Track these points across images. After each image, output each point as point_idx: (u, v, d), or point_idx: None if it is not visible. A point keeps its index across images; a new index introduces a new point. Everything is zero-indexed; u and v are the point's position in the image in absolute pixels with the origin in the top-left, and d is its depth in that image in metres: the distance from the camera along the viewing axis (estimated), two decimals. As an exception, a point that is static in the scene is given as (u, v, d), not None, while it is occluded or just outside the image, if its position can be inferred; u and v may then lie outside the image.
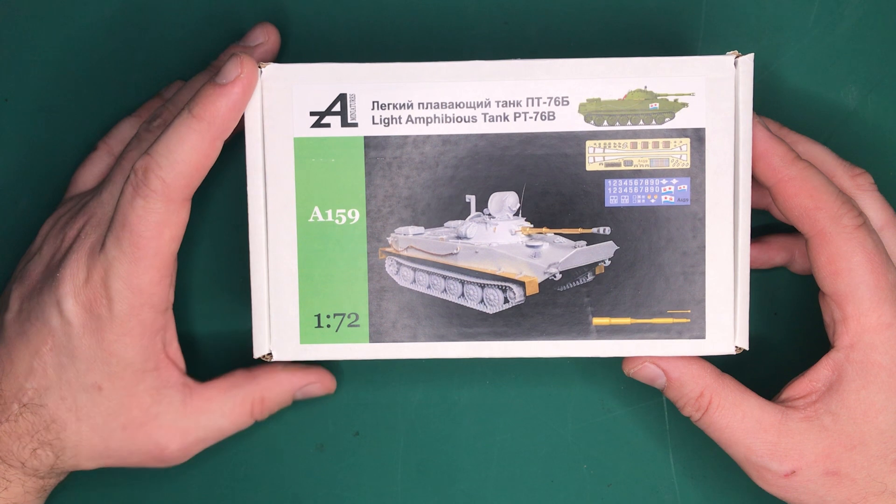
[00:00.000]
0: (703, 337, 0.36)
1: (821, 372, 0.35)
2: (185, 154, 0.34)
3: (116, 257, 0.35)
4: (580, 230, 0.36)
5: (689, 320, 0.36)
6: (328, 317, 0.36)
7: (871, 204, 0.37)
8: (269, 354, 0.36)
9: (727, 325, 0.36)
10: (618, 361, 0.39)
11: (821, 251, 0.35)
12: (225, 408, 0.38)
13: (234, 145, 0.41)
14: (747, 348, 0.36)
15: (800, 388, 0.36)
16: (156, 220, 0.34)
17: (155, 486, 0.42)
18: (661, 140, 0.35)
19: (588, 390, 0.42)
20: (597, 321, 0.36)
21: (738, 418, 0.36)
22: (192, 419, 0.37)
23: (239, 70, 0.34)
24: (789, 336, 0.42)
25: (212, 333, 0.42)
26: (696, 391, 0.36)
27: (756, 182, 0.36)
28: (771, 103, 0.41)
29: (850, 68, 0.41)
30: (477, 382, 0.42)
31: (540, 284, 0.36)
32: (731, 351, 0.36)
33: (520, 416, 0.42)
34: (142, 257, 0.35)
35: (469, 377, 0.42)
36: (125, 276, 0.35)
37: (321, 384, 0.40)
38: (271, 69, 0.35)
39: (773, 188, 0.35)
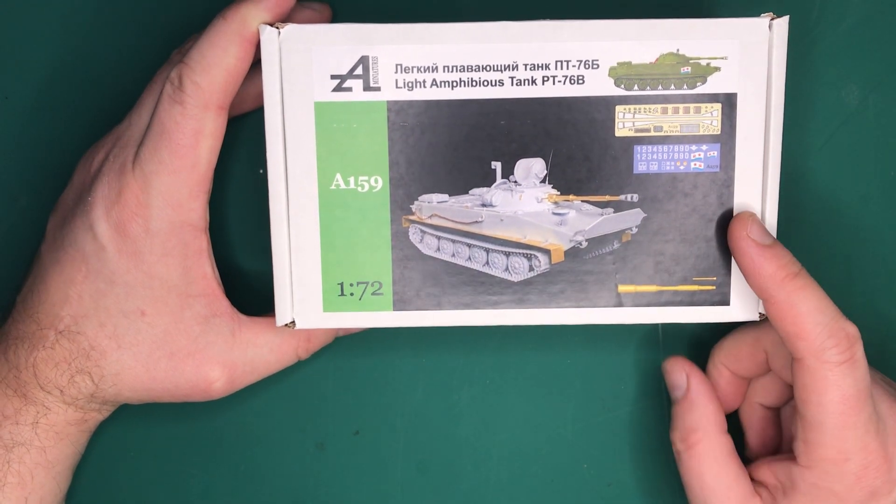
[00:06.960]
0: (728, 303, 0.36)
1: (781, 472, 0.36)
2: (218, 58, 0.33)
3: (154, 170, 0.33)
4: (607, 197, 0.35)
5: (714, 287, 0.35)
6: (351, 285, 0.35)
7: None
8: (293, 323, 0.35)
9: (752, 292, 0.35)
10: (615, 360, 0.39)
11: (797, 376, 0.34)
12: (273, 343, 0.36)
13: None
14: (770, 315, 0.36)
15: (768, 474, 0.36)
16: (193, 128, 0.33)
17: (155, 484, 0.41)
18: (692, 105, 0.34)
19: (588, 390, 0.41)
20: (622, 288, 0.35)
21: (712, 474, 0.36)
22: (240, 352, 0.36)
23: None
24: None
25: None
26: (695, 427, 0.37)
27: None
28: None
29: (850, 68, 0.40)
30: (477, 382, 0.41)
31: (565, 252, 0.35)
32: (755, 317, 0.35)
33: (520, 416, 0.41)
34: (181, 168, 0.33)
35: (469, 377, 0.41)
36: (164, 189, 0.34)
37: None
38: (290, 30, 0.34)
39: (763, 303, 0.34)
